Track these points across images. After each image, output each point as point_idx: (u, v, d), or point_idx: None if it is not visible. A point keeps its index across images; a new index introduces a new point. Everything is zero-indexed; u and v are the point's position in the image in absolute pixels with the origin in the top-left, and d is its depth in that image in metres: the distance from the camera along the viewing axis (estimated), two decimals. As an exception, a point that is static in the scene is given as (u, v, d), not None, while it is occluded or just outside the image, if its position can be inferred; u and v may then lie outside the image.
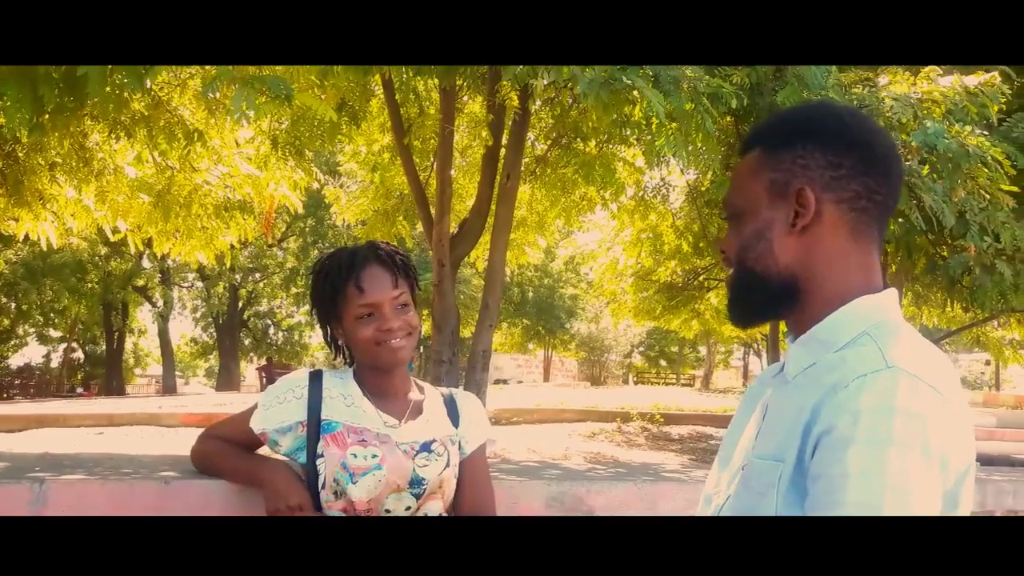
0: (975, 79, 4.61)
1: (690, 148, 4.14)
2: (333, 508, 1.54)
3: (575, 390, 21.64)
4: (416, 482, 1.56)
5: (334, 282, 1.62)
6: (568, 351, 36.21)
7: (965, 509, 0.97)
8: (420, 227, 7.82)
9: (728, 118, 4.88)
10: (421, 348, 14.97)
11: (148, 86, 3.50)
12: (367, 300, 1.58)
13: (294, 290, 27.52)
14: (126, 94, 3.98)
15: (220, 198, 6.51)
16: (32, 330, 29.92)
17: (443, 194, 6.24)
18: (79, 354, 32.09)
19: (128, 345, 32.60)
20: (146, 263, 24.93)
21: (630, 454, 9.12)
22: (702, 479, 2.30)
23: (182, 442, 7.44)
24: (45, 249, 8.68)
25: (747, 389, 1.24)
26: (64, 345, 30.78)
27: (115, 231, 6.68)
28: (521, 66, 3.46)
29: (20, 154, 5.58)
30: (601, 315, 29.30)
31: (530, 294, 30.34)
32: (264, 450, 1.67)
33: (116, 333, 27.91)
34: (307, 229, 25.46)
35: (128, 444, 8.39)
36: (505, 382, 28.07)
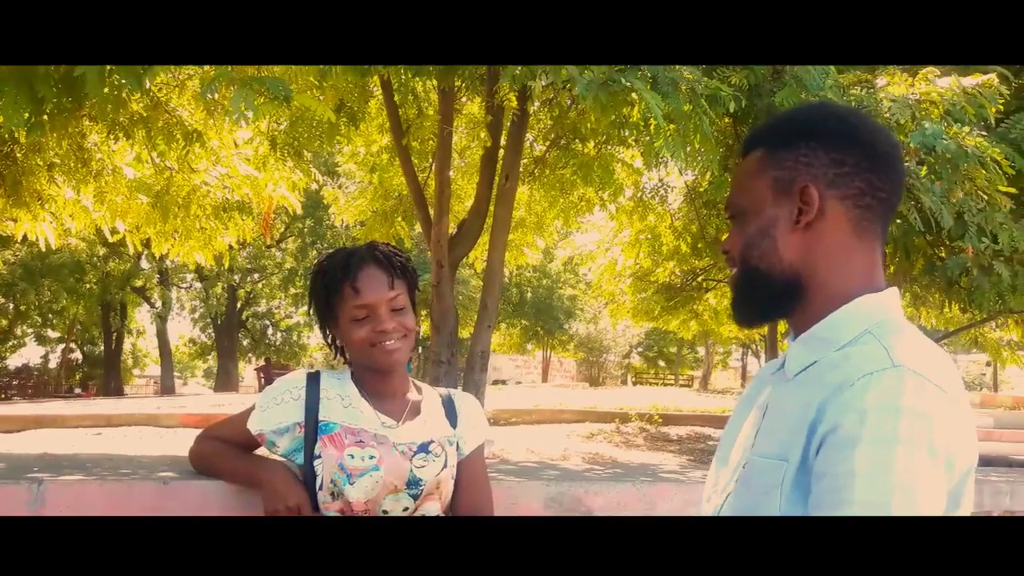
0: (973, 80, 4.61)
1: (688, 149, 4.14)
2: (330, 509, 1.54)
3: (574, 391, 21.63)
4: (413, 483, 1.56)
5: (331, 283, 1.62)
6: (567, 352, 36.21)
7: (967, 508, 0.97)
8: (419, 228, 7.82)
9: (726, 119, 4.88)
10: (420, 349, 14.97)
11: (147, 87, 3.50)
12: (362, 301, 1.58)
13: (293, 291, 27.50)
14: (124, 95, 3.98)
15: (219, 199, 6.50)
16: (30, 331, 29.92)
17: (441, 195, 6.24)
18: (77, 355, 32.06)
19: (126, 346, 32.58)
20: (144, 264, 24.92)
21: (628, 455, 9.12)
22: (700, 480, 2.31)
23: (180, 443, 7.44)
24: (43, 250, 8.68)
25: (746, 387, 1.24)
26: (62, 346, 30.75)
27: (113, 232, 6.67)
28: (520, 67, 3.46)
29: (18, 154, 5.57)
30: (600, 316, 29.27)
31: (529, 295, 30.35)
32: (262, 451, 1.67)
33: (114, 334, 27.90)
34: (306, 230, 25.46)
35: (126, 445, 8.38)
36: (504, 383, 28.06)
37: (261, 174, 6.43)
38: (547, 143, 7.42)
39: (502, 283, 7.39)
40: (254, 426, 1.62)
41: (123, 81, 3.20)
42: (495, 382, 25.27)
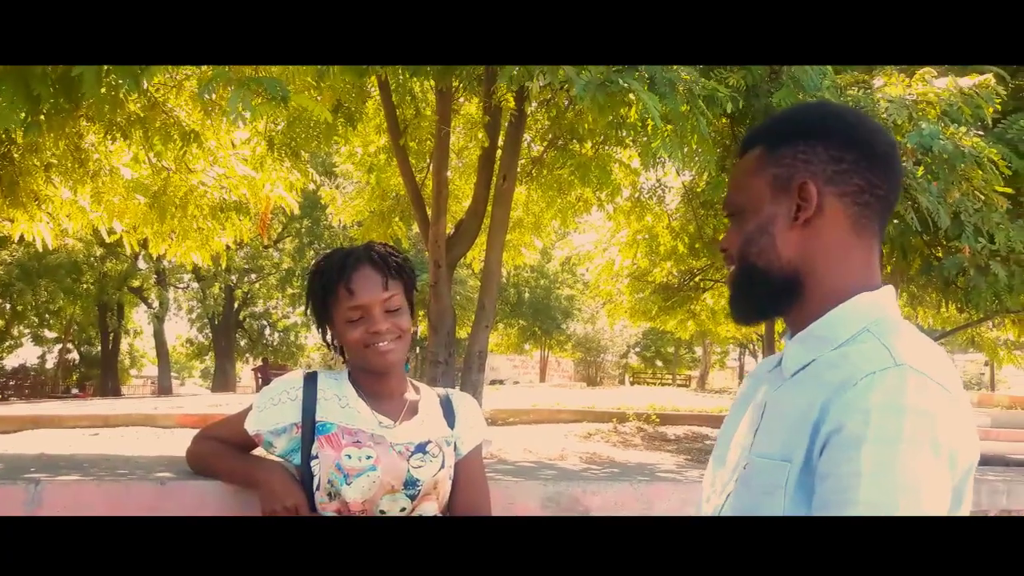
0: (970, 80, 4.62)
1: (685, 150, 4.15)
2: (327, 509, 1.54)
3: (571, 390, 21.61)
4: (411, 483, 1.56)
5: (326, 284, 1.62)
6: (564, 352, 36.20)
7: (967, 505, 0.98)
8: (416, 228, 7.83)
9: (724, 120, 4.89)
10: (417, 349, 14.96)
11: (144, 87, 3.49)
12: (356, 302, 1.59)
13: (290, 291, 27.48)
14: (122, 95, 3.97)
15: (216, 199, 6.49)
16: (27, 331, 29.86)
17: (439, 195, 6.24)
18: (74, 355, 32.01)
19: (124, 346, 32.54)
20: (142, 264, 24.88)
21: (626, 454, 9.13)
22: (697, 479, 2.31)
23: (178, 443, 7.44)
24: (40, 250, 8.66)
25: (741, 386, 1.24)
26: (59, 346, 30.70)
27: (111, 232, 6.67)
28: (517, 68, 3.46)
29: (15, 155, 5.57)
30: (597, 316, 29.28)
31: (526, 295, 30.34)
32: (259, 451, 1.67)
33: (111, 334, 27.87)
34: (303, 230, 25.44)
35: (124, 445, 8.37)
36: (501, 383, 28.06)
37: (258, 174, 6.43)
38: (545, 143, 7.43)
39: (500, 283, 7.39)
40: (251, 426, 1.62)
41: (120, 81, 3.20)
42: (493, 382, 25.27)
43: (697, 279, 9.88)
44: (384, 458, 1.55)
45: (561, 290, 31.26)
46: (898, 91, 4.58)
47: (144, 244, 6.95)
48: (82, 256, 21.19)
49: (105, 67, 3.04)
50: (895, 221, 4.69)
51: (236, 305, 28.92)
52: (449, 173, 6.81)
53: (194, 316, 31.59)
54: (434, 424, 1.67)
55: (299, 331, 31.97)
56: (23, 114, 3.30)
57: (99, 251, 21.46)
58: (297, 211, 7.71)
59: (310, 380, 1.65)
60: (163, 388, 26.83)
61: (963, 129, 4.55)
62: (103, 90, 3.31)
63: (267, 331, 32.17)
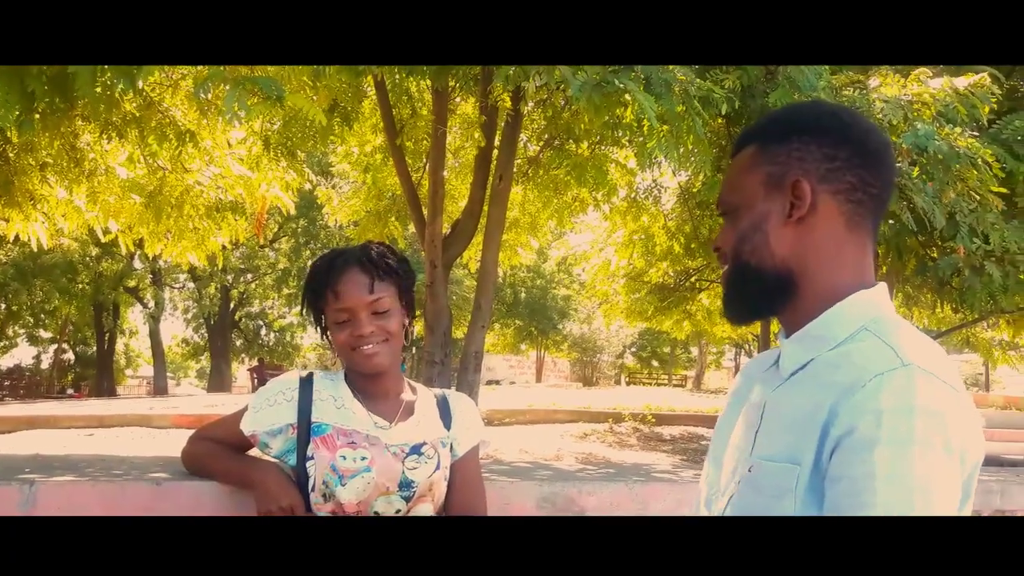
0: (965, 81, 4.63)
1: (681, 150, 4.15)
2: (322, 510, 1.54)
3: (567, 391, 21.62)
4: (406, 484, 1.56)
5: (317, 287, 1.63)
6: (560, 352, 36.21)
7: (971, 503, 0.98)
8: (412, 228, 7.82)
9: (719, 120, 4.90)
10: (414, 349, 14.94)
11: (140, 86, 3.49)
12: (341, 305, 1.59)
13: (286, 291, 27.42)
14: (117, 94, 3.96)
15: (212, 199, 6.49)
16: (22, 331, 29.76)
17: (435, 195, 6.24)
18: (70, 355, 31.93)
19: (119, 346, 32.46)
20: (137, 264, 24.83)
21: (622, 455, 9.14)
22: (693, 479, 2.31)
23: (173, 443, 7.42)
24: (36, 250, 8.64)
25: (733, 384, 1.24)
26: (54, 346, 30.63)
27: (106, 232, 6.65)
28: (513, 68, 3.46)
29: (10, 154, 5.55)
30: (593, 316, 29.26)
31: (522, 295, 30.36)
32: (255, 452, 1.67)
33: (107, 334, 27.79)
34: (299, 230, 25.38)
35: (119, 445, 8.36)
36: (497, 383, 28.06)
37: (254, 174, 6.42)
38: (541, 143, 7.43)
39: (496, 283, 7.39)
40: (247, 427, 1.62)
41: (116, 80, 3.19)
42: (489, 382, 25.27)
43: (693, 279, 9.90)
44: (379, 459, 1.55)
45: (557, 290, 31.27)
46: (893, 91, 4.59)
47: (140, 244, 6.94)
48: (78, 256, 21.14)
49: (100, 66, 3.03)
50: (891, 221, 4.69)
51: (232, 305, 28.86)
52: (445, 173, 6.81)
53: (190, 316, 31.51)
54: (430, 425, 1.67)
55: (295, 331, 31.91)
56: (17, 112, 3.29)
57: (95, 251, 21.41)
58: (293, 211, 7.71)
59: (306, 381, 1.65)
60: (159, 388, 26.78)
61: (958, 130, 4.56)
62: (98, 89, 3.30)
63: (263, 331, 32.10)
